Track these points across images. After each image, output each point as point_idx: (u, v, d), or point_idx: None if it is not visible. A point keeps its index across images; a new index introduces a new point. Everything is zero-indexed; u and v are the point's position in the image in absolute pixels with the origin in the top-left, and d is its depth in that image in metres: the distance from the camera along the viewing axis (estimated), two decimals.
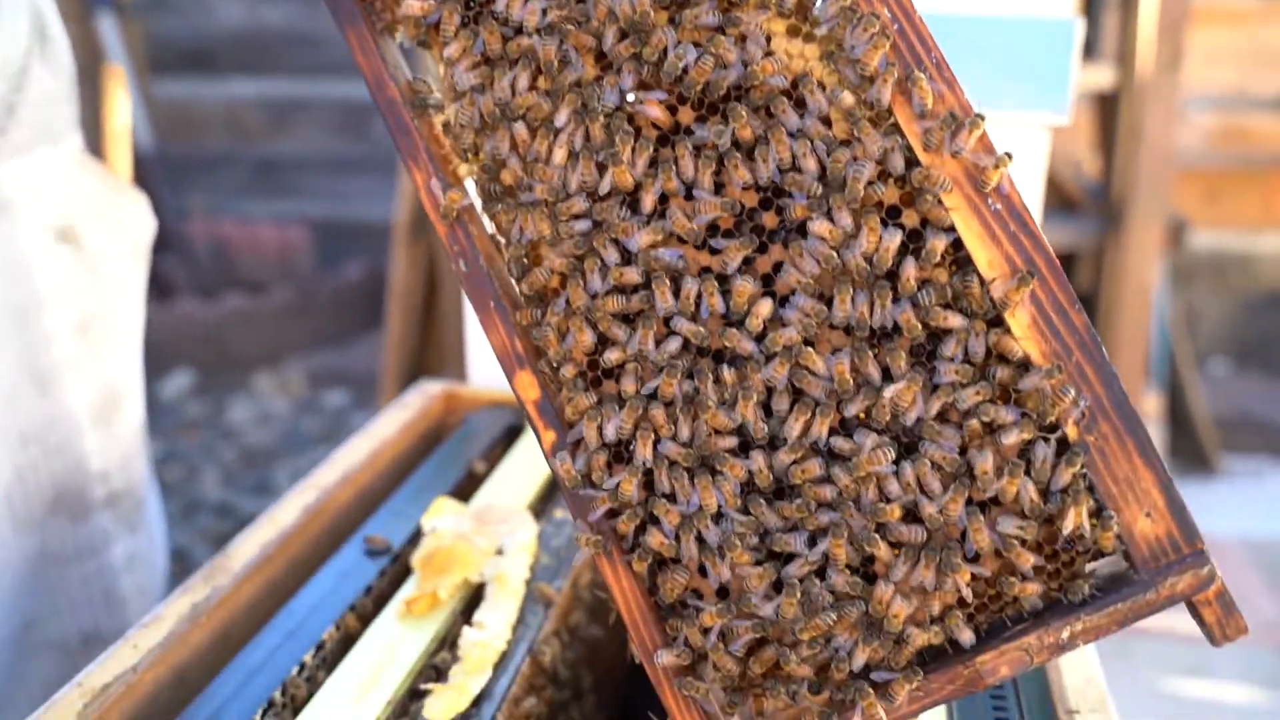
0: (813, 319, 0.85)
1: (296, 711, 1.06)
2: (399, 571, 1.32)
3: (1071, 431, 0.84)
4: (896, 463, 0.85)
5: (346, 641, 1.18)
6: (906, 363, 0.85)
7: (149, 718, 1.09)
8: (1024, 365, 0.84)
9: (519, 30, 0.89)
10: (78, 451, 1.51)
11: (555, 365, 0.91)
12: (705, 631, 0.89)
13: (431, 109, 0.94)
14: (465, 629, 1.16)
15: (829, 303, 0.86)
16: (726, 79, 0.85)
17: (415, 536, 1.37)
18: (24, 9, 1.46)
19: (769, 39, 0.86)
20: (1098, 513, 0.84)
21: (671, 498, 0.88)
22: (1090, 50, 3.88)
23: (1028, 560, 0.85)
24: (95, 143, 2.49)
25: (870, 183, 0.84)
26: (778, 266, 0.88)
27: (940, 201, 0.83)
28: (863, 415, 0.86)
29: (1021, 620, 0.87)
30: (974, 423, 0.84)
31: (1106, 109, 3.78)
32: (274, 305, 5.24)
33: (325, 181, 5.88)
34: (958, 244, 0.84)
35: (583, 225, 0.89)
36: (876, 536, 0.85)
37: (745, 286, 0.86)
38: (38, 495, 1.49)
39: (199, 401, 5.00)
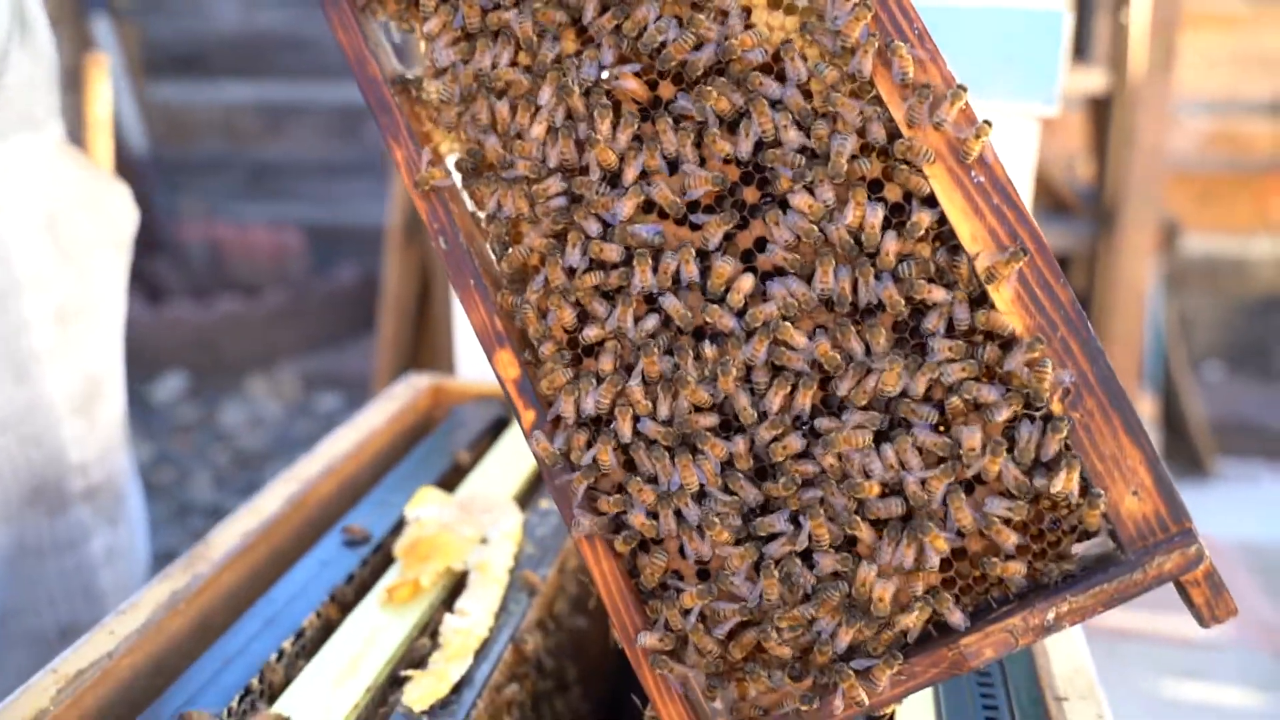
0: (796, 298, 0.84)
1: (274, 698, 1.05)
2: (381, 561, 1.31)
3: (1056, 408, 0.83)
4: (878, 441, 0.84)
5: (327, 629, 1.17)
6: (888, 339, 0.84)
7: (125, 704, 1.07)
8: (1011, 343, 0.83)
9: (497, 4, 0.88)
10: (56, 442, 1.50)
11: (535, 343, 0.90)
12: (685, 613, 0.88)
13: (411, 85, 0.93)
14: (447, 616, 1.15)
15: (809, 279, 0.85)
16: (703, 58, 0.84)
17: (399, 526, 1.35)
18: None
19: (749, 11, 0.85)
20: (1084, 491, 0.83)
21: (653, 480, 0.87)
22: (1082, 53, 3.88)
23: (1009, 539, 0.83)
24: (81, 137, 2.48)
25: (854, 156, 0.83)
26: (760, 242, 0.87)
27: (921, 172, 0.82)
28: (849, 394, 0.85)
29: (1007, 602, 0.86)
30: (956, 400, 0.83)
31: (1099, 112, 3.78)
32: (267, 308, 5.23)
33: (319, 185, 5.88)
34: (942, 220, 0.83)
35: (560, 202, 0.88)
36: (857, 518, 0.84)
37: (725, 265, 0.85)
38: (14, 486, 1.48)
39: (192, 404, 4.98)
